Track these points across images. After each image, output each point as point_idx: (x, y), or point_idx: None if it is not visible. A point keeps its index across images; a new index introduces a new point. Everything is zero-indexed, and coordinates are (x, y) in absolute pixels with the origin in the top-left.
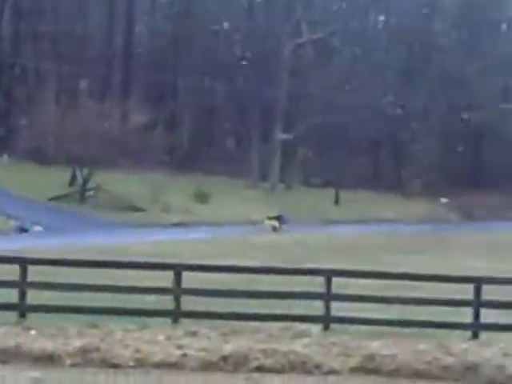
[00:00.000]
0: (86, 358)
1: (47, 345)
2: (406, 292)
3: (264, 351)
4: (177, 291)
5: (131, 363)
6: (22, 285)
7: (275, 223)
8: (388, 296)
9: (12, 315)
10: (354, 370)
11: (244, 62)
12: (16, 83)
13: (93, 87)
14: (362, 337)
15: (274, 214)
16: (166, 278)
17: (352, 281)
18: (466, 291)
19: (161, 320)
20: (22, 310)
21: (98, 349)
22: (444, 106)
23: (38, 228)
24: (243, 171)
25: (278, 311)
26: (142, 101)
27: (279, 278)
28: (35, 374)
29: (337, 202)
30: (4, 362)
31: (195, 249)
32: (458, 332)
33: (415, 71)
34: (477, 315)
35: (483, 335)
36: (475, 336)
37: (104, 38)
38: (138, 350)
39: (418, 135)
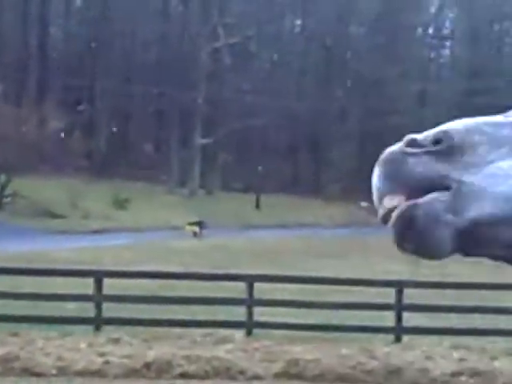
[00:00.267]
0: (6, 367)
1: None
2: (327, 297)
3: (187, 357)
4: (98, 298)
5: (53, 371)
6: None
7: (196, 229)
8: (310, 301)
9: None
10: (277, 376)
11: (161, 66)
12: None
13: (8, 91)
14: (284, 342)
15: (195, 220)
16: (86, 285)
17: (273, 286)
18: (388, 295)
19: (83, 327)
20: None
21: (18, 357)
22: (362, 109)
23: None
24: (163, 176)
25: (201, 317)
26: (59, 105)
27: (199, 283)
28: None
29: (257, 206)
30: None
31: (116, 255)
32: (380, 336)
33: (332, 75)
34: (399, 319)
35: (405, 338)
36: (398, 339)
37: (18, 41)
38: (59, 358)
39: (336, 139)
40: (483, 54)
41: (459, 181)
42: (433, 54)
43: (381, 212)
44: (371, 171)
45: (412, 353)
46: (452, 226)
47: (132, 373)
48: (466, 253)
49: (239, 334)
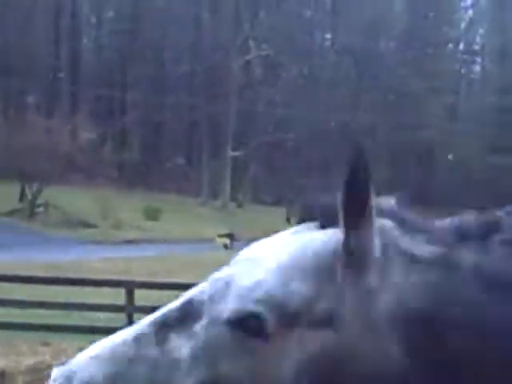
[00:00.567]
0: (37, 376)
1: None
2: None
3: None
4: (129, 309)
5: None
6: None
7: (226, 241)
8: None
9: None
10: None
11: (192, 78)
12: None
13: (40, 103)
14: None
15: (225, 232)
16: (118, 296)
17: None
18: None
19: None
20: None
21: (49, 367)
22: (391, 124)
23: None
24: (194, 188)
25: None
26: (91, 116)
27: None
28: None
29: (288, 220)
30: None
31: (147, 266)
32: None
33: (362, 88)
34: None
35: None
36: None
37: (50, 52)
38: None
39: (366, 152)
40: None
41: None
42: (463, 70)
43: None
44: (401, 185)
45: None
46: None
47: None
48: None
49: None
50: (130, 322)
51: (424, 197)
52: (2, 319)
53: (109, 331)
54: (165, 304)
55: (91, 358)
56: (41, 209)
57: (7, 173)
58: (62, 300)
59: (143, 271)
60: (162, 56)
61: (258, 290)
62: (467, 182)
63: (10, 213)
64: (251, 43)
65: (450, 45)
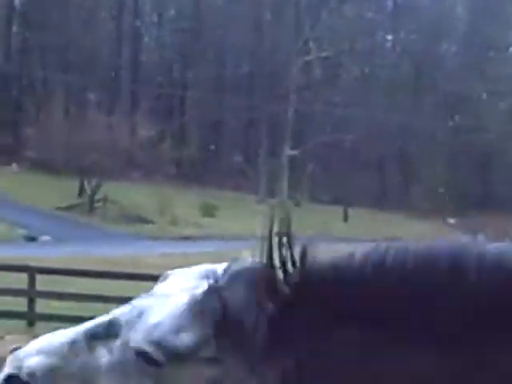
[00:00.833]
0: None
1: None
2: None
3: None
4: None
5: None
6: (31, 293)
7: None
8: None
9: (21, 323)
10: None
11: (252, 77)
12: (25, 94)
13: (101, 100)
14: None
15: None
16: None
17: None
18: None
19: None
20: (31, 318)
21: None
22: (451, 126)
23: (45, 237)
24: (251, 186)
25: None
26: (150, 114)
27: None
28: None
29: (345, 219)
30: None
31: (204, 262)
32: None
33: (422, 90)
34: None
35: None
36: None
37: (112, 50)
38: None
39: (424, 154)
40: None
41: None
42: None
43: None
44: (460, 187)
45: None
46: None
47: None
48: None
49: None
50: None
51: (483, 201)
52: (59, 312)
53: None
54: None
55: (37, 350)
56: (100, 204)
57: (67, 168)
58: (119, 294)
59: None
60: (223, 56)
61: (156, 332)
62: None
63: (70, 207)
64: (311, 44)
65: (511, 48)
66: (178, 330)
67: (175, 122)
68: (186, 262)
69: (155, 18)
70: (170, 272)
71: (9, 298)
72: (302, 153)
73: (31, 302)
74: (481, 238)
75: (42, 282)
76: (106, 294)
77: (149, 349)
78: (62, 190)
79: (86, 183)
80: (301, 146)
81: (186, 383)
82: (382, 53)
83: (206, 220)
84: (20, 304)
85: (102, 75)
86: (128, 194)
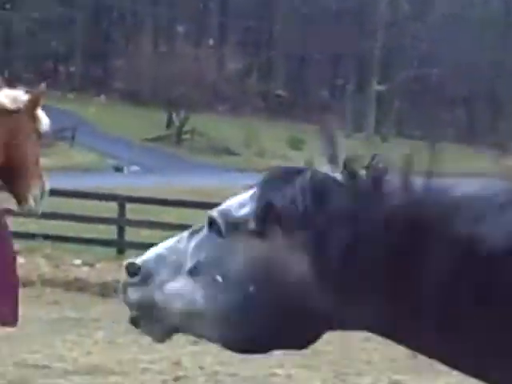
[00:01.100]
0: None
1: None
2: None
3: None
4: None
5: None
6: (120, 222)
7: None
8: None
9: (111, 251)
10: None
11: (340, 13)
12: (114, 26)
13: (189, 32)
14: None
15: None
16: None
17: None
18: None
19: None
20: (121, 246)
21: None
22: None
23: (134, 168)
24: (337, 121)
25: None
26: (238, 47)
27: None
28: None
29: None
30: (104, 296)
31: None
32: None
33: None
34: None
35: None
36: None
37: None
38: None
39: None
40: None
41: (154, 301)
42: None
43: None
44: None
45: None
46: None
47: None
48: None
49: None
50: None
51: None
52: (150, 240)
53: None
54: None
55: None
56: (187, 135)
57: (155, 100)
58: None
59: None
60: None
61: (225, 205)
62: None
63: (158, 139)
64: None
65: None
66: (240, 206)
67: (262, 56)
68: None
69: None
70: None
71: (100, 226)
72: (388, 88)
73: (121, 230)
74: None
75: (132, 211)
76: (195, 223)
77: (218, 218)
78: (150, 122)
79: (174, 115)
80: (388, 81)
81: (241, 253)
82: None
83: (293, 153)
84: (110, 232)
85: (190, 8)
86: (215, 126)
